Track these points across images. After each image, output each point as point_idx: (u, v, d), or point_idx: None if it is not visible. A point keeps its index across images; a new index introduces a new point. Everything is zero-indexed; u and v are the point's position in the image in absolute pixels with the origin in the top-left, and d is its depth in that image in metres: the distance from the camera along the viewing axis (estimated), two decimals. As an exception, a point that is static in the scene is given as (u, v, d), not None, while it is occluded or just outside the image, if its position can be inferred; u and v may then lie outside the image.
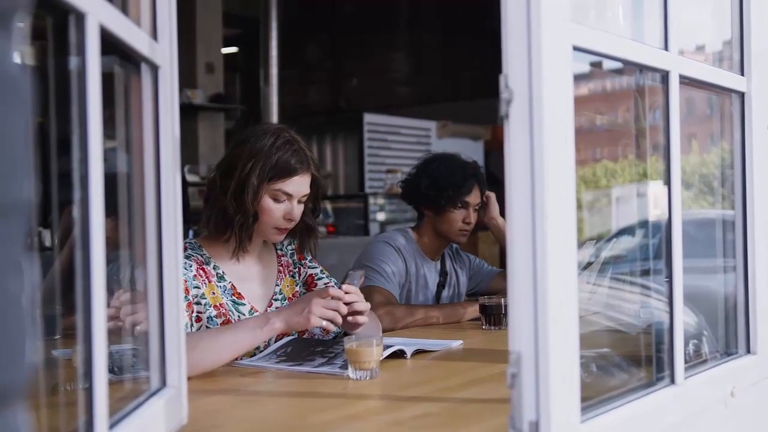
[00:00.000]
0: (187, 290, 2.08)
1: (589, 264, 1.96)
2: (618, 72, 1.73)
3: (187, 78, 7.32)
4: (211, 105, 7.67)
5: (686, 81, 1.57)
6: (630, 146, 2.06)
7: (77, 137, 1.00)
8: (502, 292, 2.92)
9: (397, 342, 2.17)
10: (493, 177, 4.51)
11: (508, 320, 2.66)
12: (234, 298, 2.22)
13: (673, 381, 1.50)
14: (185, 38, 7.00)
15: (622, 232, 2.37)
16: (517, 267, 1.16)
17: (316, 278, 2.44)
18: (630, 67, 1.60)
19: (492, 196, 3.10)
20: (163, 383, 1.36)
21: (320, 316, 1.99)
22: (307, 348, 2.13)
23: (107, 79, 1.08)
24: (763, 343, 1.79)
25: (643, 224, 2.06)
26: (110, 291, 1.06)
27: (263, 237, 2.28)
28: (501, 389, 1.64)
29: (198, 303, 2.13)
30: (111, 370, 1.09)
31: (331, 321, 2.02)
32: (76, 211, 1.00)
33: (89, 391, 0.99)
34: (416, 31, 10.08)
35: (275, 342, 2.20)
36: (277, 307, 2.29)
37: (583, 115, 1.29)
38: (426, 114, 8.70)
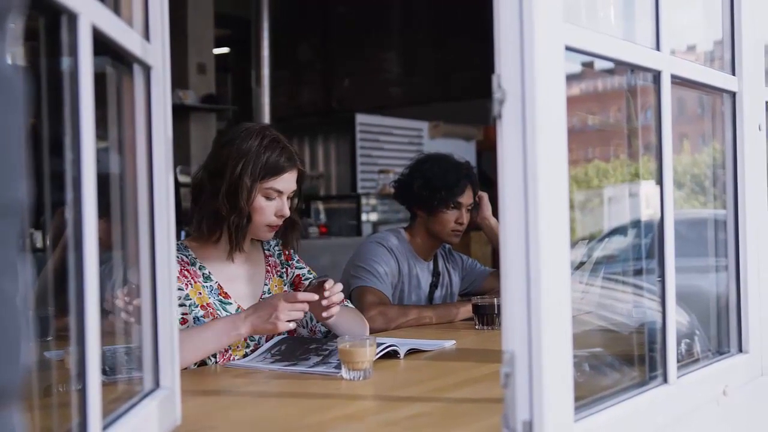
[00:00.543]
0: None
1: (582, 264, 1.96)
2: (609, 72, 1.73)
3: (178, 79, 7.30)
4: (202, 106, 7.65)
5: (678, 81, 1.58)
6: (622, 146, 2.06)
7: (70, 138, 0.99)
8: (495, 292, 2.93)
9: (390, 342, 2.17)
10: (485, 177, 4.52)
11: (501, 320, 2.67)
12: (221, 297, 2.25)
13: (665, 380, 1.50)
14: (177, 39, 6.98)
15: (614, 232, 2.38)
16: (510, 267, 1.16)
17: (303, 278, 2.47)
18: (622, 67, 1.60)
19: (485, 196, 3.10)
20: (157, 384, 1.35)
21: (287, 320, 2.00)
22: (302, 346, 2.13)
23: (99, 80, 1.07)
24: (754, 342, 1.80)
25: (635, 224, 2.06)
26: (103, 293, 1.05)
27: (254, 236, 2.30)
28: (494, 389, 1.65)
29: (182, 305, 2.14)
30: (103, 371, 1.08)
31: (296, 320, 2.05)
32: (68, 213, 1.00)
33: (83, 393, 0.99)
34: (408, 32, 10.08)
35: (267, 341, 2.21)
36: None
37: (575, 115, 1.29)
38: (418, 114, 8.71)
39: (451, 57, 9.53)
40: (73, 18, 0.98)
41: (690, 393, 1.58)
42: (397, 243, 3.01)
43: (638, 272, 1.92)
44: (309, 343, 2.15)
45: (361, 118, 8.22)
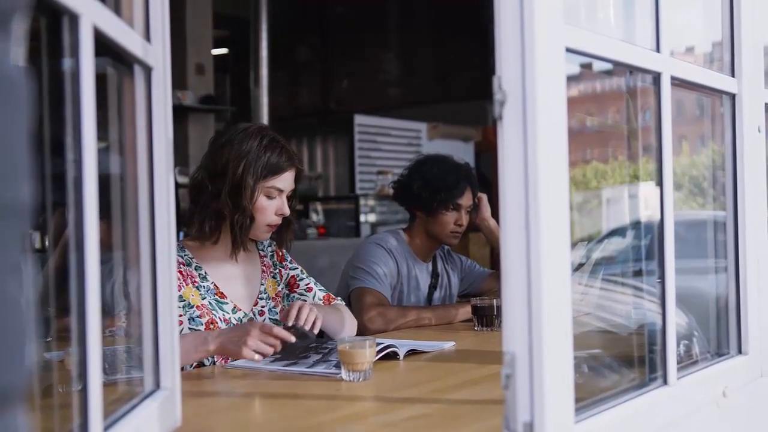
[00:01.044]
0: None
1: (581, 265, 1.96)
2: (608, 73, 1.73)
3: (177, 79, 7.29)
4: (201, 106, 7.65)
5: (677, 82, 1.58)
6: (620, 147, 2.06)
7: (71, 139, 0.99)
8: (494, 293, 2.93)
9: (390, 342, 2.17)
10: (483, 178, 4.52)
11: (500, 321, 2.68)
12: (217, 297, 2.26)
13: (665, 382, 1.50)
14: (175, 39, 6.97)
15: (612, 234, 2.38)
16: (511, 268, 1.16)
17: (298, 279, 2.49)
18: (621, 68, 1.60)
19: (484, 197, 3.10)
20: (157, 385, 1.35)
21: (254, 349, 1.93)
22: (302, 344, 2.13)
23: (100, 81, 1.07)
24: (754, 343, 1.80)
25: (634, 225, 2.07)
26: (103, 294, 1.05)
27: (253, 236, 2.32)
28: (494, 390, 1.65)
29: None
30: (103, 371, 1.08)
31: (262, 353, 1.95)
32: (70, 213, 1.00)
33: (84, 394, 0.99)
34: (407, 33, 10.08)
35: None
36: (262, 306, 2.36)
37: (574, 117, 1.29)
38: (416, 115, 8.70)
39: (449, 58, 9.53)
40: (74, 19, 0.98)
41: (690, 394, 1.58)
42: (396, 244, 3.01)
43: (637, 273, 1.92)
44: (309, 342, 2.15)
45: (359, 119, 8.22)
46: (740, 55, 1.79)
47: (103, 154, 1.19)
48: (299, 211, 6.52)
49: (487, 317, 2.65)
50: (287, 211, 2.30)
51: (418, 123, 8.54)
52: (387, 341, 2.17)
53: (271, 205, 2.26)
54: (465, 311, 2.82)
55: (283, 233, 2.40)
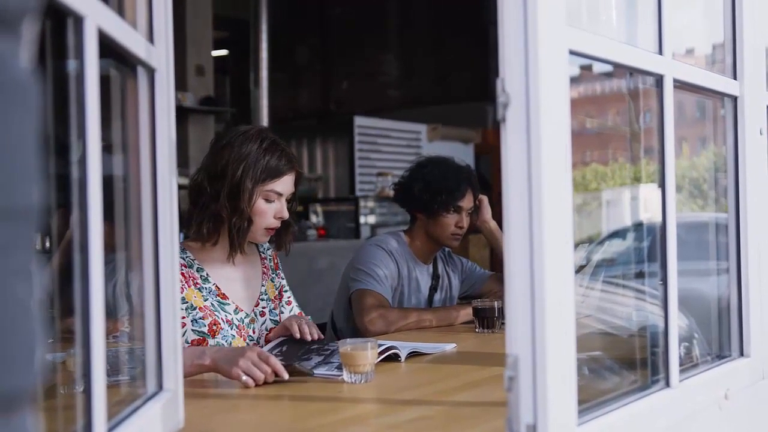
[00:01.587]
0: None
1: (581, 267, 1.96)
2: (608, 75, 1.73)
3: (177, 80, 7.24)
4: (201, 108, 7.64)
5: (680, 85, 1.58)
6: (620, 149, 2.07)
7: (75, 140, 0.99)
8: (495, 294, 2.93)
9: (391, 344, 2.17)
10: (483, 180, 4.52)
11: (501, 323, 2.68)
12: (219, 298, 2.27)
13: (668, 384, 1.50)
14: (175, 40, 6.96)
15: (613, 235, 2.38)
16: (514, 270, 1.16)
17: (284, 290, 2.51)
18: (621, 70, 1.60)
19: (484, 199, 3.10)
20: (160, 387, 1.35)
21: (244, 371, 1.87)
22: (303, 346, 2.13)
23: (103, 82, 1.07)
24: (756, 345, 1.80)
25: (634, 227, 2.07)
26: (105, 294, 1.05)
27: (252, 239, 2.32)
28: (496, 392, 1.65)
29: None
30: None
31: (252, 377, 1.89)
32: (73, 215, 1.00)
33: (88, 395, 0.99)
34: (406, 34, 10.08)
35: (267, 342, 2.22)
36: (263, 307, 2.37)
37: (574, 118, 1.29)
38: (416, 117, 8.70)
39: (449, 59, 9.54)
40: (79, 20, 0.98)
41: (692, 397, 1.58)
42: (397, 246, 3.00)
43: (638, 275, 1.93)
44: (310, 344, 2.15)
45: (359, 121, 8.21)
46: (742, 58, 1.80)
47: (105, 155, 1.19)
48: (299, 213, 6.52)
49: (488, 319, 2.65)
50: (286, 215, 2.29)
51: (417, 125, 8.54)
52: (388, 343, 2.17)
53: (270, 209, 2.26)
54: (466, 313, 2.82)
55: (282, 236, 2.40)
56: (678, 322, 1.57)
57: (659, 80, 1.52)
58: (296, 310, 2.48)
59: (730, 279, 1.83)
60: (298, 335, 2.13)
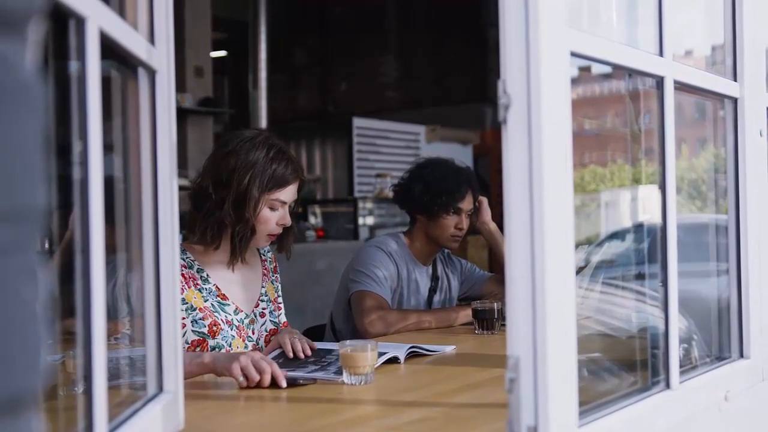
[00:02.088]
0: None
1: (580, 269, 1.96)
2: (606, 76, 1.73)
3: (176, 81, 7.27)
4: (200, 109, 7.64)
5: (680, 86, 1.58)
6: (619, 151, 2.07)
7: (77, 141, 0.99)
8: (494, 296, 2.93)
9: (391, 347, 2.17)
10: (482, 181, 4.51)
11: (500, 324, 2.67)
12: (219, 299, 2.27)
13: (668, 386, 1.50)
14: (174, 42, 6.96)
15: (612, 237, 2.38)
16: (515, 272, 1.16)
17: (277, 295, 2.50)
18: (620, 71, 1.61)
19: (484, 200, 3.10)
20: (160, 389, 1.35)
21: (242, 367, 1.86)
22: (299, 358, 2.12)
23: (103, 84, 1.07)
24: (756, 347, 1.80)
25: (633, 229, 2.07)
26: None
27: (254, 245, 2.33)
28: (496, 394, 1.65)
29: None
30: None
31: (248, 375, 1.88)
32: (75, 216, 0.99)
33: (89, 397, 0.99)
34: (405, 36, 10.08)
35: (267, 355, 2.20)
36: (263, 308, 2.37)
37: (572, 120, 1.29)
38: (415, 118, 8.70)
39: (448, 61, 9.54)
40: (80, 22, 0.98)
41: (692, 398, 1.58)
42: (397, 247, 3.00)
43: (637, 277, 1.93)
44: (309, 356, 2.14)
45: (358, 122, 8.21)
46: (742, 59, 1.80)
47: (106, 156, 1.19)
48: (297, 214, 6.53)
49: (488, 320, 2.65)
50: (289, 222, 2.30)
51: (416, 126, 8.54)
52: (387, 345, 2.16)
53: (273, 216, 2.26)
54: (465, 314, 2.82)
55: (284, 240, 2.39)
56: (678, 324, 1.57)
57: (660, 82, 1.52)
58: (283, 318, 2.47)
59: (730, 281, 1.83)
60: (291, 354, 2.10)
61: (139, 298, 1.36)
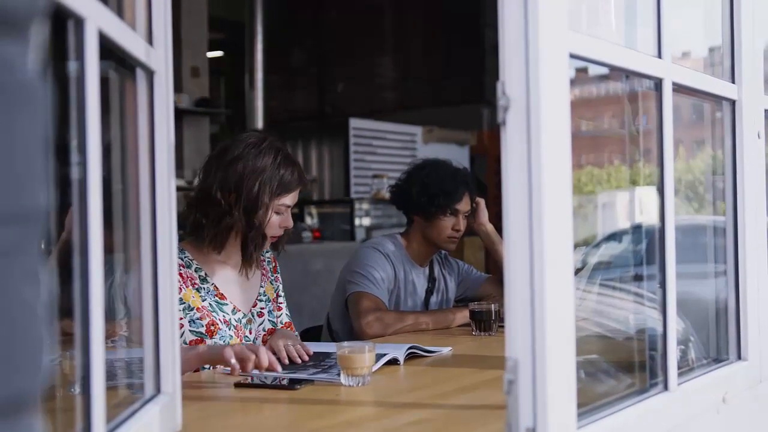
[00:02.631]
0: None
1: (578, 270, 1.96)
2: (603, 78, 1.73)
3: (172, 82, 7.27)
4: (196, 109, 7.63)
5: (678, 88, 1.58)
6: (616, 152, 2.07)
7: (75, 142, 0.99)
8: (491, 297, 2.93)
9: (389, 348, 2.17)
10: (479, 183, 4.52)
11: (497, 326, 2.67)
12: (217, 298, 2.27)
13: (666, 387, 1.50)
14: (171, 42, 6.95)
15: (609, 238, 2.38)
16: (514, 274, 1.16)
17: (278, 295, 2.51)
18: (619, 73, 1.60)
19: (481, 202, 3.10)
20: (158, 390, 1.35)
21: (236, 353, 1.90)
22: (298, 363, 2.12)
23: (101, 84, 1.07)
24: (753, 349, 1.81)
25: (630, 230, 2.07)
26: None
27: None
28: (494, 395, 1.65)
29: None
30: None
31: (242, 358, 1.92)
32: (74, 217, 0.99)
33: (87, 398, 0.98)
34: (402, 37, 10.08)
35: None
36: (261, 308, 2.39)
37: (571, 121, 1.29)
38: (412, 119, 8.70)
39: (444, 62, 9.54)
40: (79, 22, 0.98)
41: (690, 400, 1.58)
42: (393, 248, 3.00)
43: (635, 278, 1.92)
44: (307, 360, 2.14)
45: (354, 123, 8.20)
46: (740, 62, 1.80)
47: (104, 157, 1.18)
48: (294, 215, 6.53)
49: (485, 322, 2.65)
50: (291, 224, 2.34)
51: (413, 127, 8.54)
52: (387, 351, 2.16)
53: (277, 220, 2.29)
54: (463, 316, 2.82)
55: (280, 239, 2.40)
56: (675, 326, 1.57)
57: (658, 84, 1.52)
58: (285, 319, 2.47)
59: (728, 283, 1.83)
60: (287, 361, 2.08)
61: (137, 300, 1.36)
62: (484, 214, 3.10)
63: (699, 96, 1.79)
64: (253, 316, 2.34)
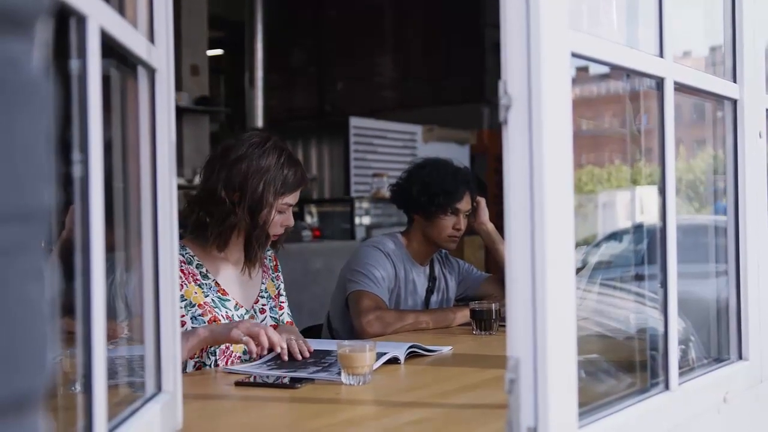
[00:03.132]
0: None
1: (578, 270, 1.96)
2: (603, 77, 1.73)
3: (172, 80, 7.26)
4: (196, 107, 7.62)
5: (680, 87, 1.58)
6: (616, 151, 2.07)
7: (77, 140, 0.99)
8: (491, 297, 2.93)
9: (390, 346, 2.16)
10: (479, 182, 4.52)
11: (498, 325, 2.67)
12: (219, 294, 2.28)
13: (667, 387, 1.50)
14: (171, 41, 6.94)
15: (609, 238, 2.38)
16: (515, 273, 1.16)
17: (280, 293, 2.52)
18: (619, 72, 1.60)
19: (482, 201, 3.10)
20: (159, 388, 1.35)
21: (245, 331, 2.00)
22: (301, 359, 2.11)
23: (103, 82, 1.07)
24: (754, 349, 1.80)
25: (631, 230, 2.07)
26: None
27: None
28: (495, 395, 1.65)
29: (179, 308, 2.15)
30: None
31: (251, 338, 2.00)
32: (76, 215, 0.99)
33: (88, 397, 0.98)
34: (401, 36, 10.08)
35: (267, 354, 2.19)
36: (263, 305, 2.40)
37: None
38: (412, 118, 8.70)
39: (444, 61, 9.54)
40: (81, 20, 0.98)
41: (691, 400, 1.58)
42: (394, 247, 3.00)
43: (635, 278, 1.92)
44: (308, 357, 2.14)
45: (354, 122, 8.20)
46: (742, 61, 1.80)
47: (105, 155, 1.18)
48: (294, 214, 6.53)
49: (486, 321, 2.65)
50: (293, 223, 2.35)
51: (413, 126, 8.54)
52: (388, 345, 2.16)
53: (279, 219, 2.30)
54: (463, 315, 2.82)
55: (280, 237, 2.41)
56: (676, 325, 1.57)
57: (660, 83, 1.52)
58: (286, 318, 2.48)
59: (729, 282, 1.83)
60: (285, 358, 2.10)
61: (138, 298, 1.36)
62: (484, 213, 3.10)
63: (700, 95, 1.79)
64: (255, 312, 2.35)
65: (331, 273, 3.87)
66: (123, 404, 1.25)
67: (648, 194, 1.72)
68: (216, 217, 2.24)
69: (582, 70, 1.47)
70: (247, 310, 2.32)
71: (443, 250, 3.16)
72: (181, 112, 7.34)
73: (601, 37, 1.39)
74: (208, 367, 2.16)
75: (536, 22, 1.15)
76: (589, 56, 1.33)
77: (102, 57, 1.03)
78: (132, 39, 1.20)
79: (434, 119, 8.68)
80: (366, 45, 10.10)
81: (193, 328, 2.16)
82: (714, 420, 1.66)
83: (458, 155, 7.33)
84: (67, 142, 1.00)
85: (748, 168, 1.80)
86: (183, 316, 2.17)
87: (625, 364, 1.72)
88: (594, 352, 1.68)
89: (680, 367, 1.56)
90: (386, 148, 8.30)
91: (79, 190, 0.98)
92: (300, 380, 1.88)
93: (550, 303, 1.14)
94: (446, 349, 2.34)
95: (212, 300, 2.24)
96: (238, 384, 1.87)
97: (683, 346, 1.75)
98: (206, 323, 2.19)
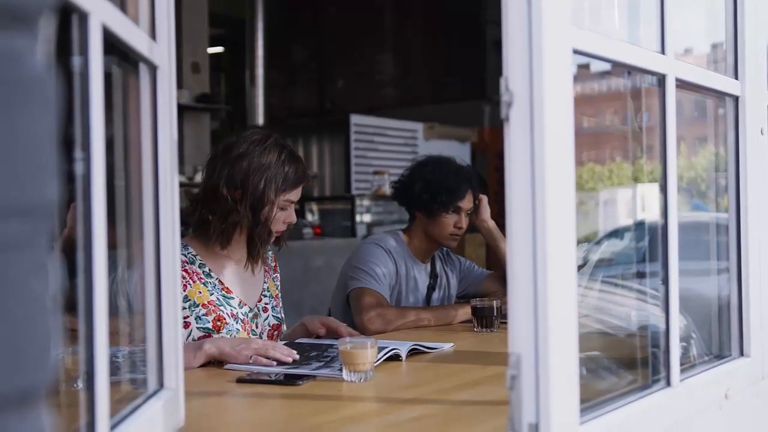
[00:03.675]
0: None
1: (580, 267, 1.96)
2: (605, 74, 1.73)
3: (173, 78, 7.26)
4: (196, 105, 7.62)
5: (681, 84, 1.58)
6: (617, 149, 2.06)
7: (79, 137, 0.99)
8: (493, 294, 2.93)
9: (392, 344, 2.17)
10: (481, 180, 4.52)
11: (499, 322, 2.67)
12: (223, 293, 2.29)
13: (669, 383, 1.50)
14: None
15: (610, 235, 2.38)
16: (517, 269, 1.16)
17: (277, 290, 2.52)
18: (621, 69, 1.60)
19: (484, 198, 3.09)
20: (161, 385, 1.35)
21: (253, 353, 2.03)
22: (302, 353, 2.12)
23: (105, 79, 1.07)
24: (756, 345, 1.80)
25: (632, 227, 2.07)
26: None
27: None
28: (496, 391, 1.65)
29: (182, 308, 2.15)
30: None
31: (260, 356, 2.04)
32: (78, 212, 0.99)
33: (90, 393, 0.98)
34: (402, 33, 10.08)
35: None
36: (266, 303, 2.40)
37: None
38: (412, 116, 8.70)
39: (445, 58, 9.54)
40: (83, 17, 0.98)
41: (692, 396, 1.58)
42: (395, 245, 3.00)
43: (637, 275, 1.93)
44: (310, 350, 2.15)
45: (355, 119, 8.20)
46: (744, 58, 1.80)
47: (107, 152, 1.18)
48: (295, 211, 6.53)
49: (487, 318, 2.65)
50: (294, 220, 2.36)
51: (414, 123, 8.54)
52: (389, 344, 2.16)
53: (281, 216, 2.31)
54: (464, 312, 2.82)
55: (282, 235, 2.41)
56: (678, 322, 1.57)
57: (661, 79, 1.52)
58: (272, 321, 2.47)
59: (731, 279, 1.83)
60: (323, 331, 2.28)
61: (140, 295, 1.36)
62: (486, 211, 3.10)
63: (702, 92, 1.79)
64: (258, 311, 2.35)
65: (332, 270, 3.87)
66: (125, 401, 1.25)
67: (649, 191, 1.72)
68: (218, 215, 2.24)
69: (583, 67, 1.47)
70: (250, 308, 2.33)
71: (445, 248, 3.16)
72: (181, 109, 7.34)
73: (603, 34, 1.39)
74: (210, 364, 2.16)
75: (538, 18, 1.15)
76: (591, 53, 1.33)
77: (104, 54, 1.03)
78: (134, 36, 1.20)
79: (435, 117, 8.68)
80: (366, 42, 10.10)
81: (200, 338, 2.16)
82: (715, 416, 1.66)
83: (459, 153, 7.33)
84: (69, 140, 1.00)
85: (750, 165, 1.80)
86: (187, 317, 2.17)
87: (626, 361, 1.72)
88: (595, 349, 1.68)
89: (681, 364, 1.56)
90: (387, 145, 8.30)
91: (81, 187, 0.98)
92: (301, 377, 1.89)
93: (552, 300, 1.14)
94: (447, 346, 2.34)
95: (217, 298, 2.25)
96: (240, 381, 1.88)
97: (684, 343, 1.75)
98: (210, 322, 2.19)
